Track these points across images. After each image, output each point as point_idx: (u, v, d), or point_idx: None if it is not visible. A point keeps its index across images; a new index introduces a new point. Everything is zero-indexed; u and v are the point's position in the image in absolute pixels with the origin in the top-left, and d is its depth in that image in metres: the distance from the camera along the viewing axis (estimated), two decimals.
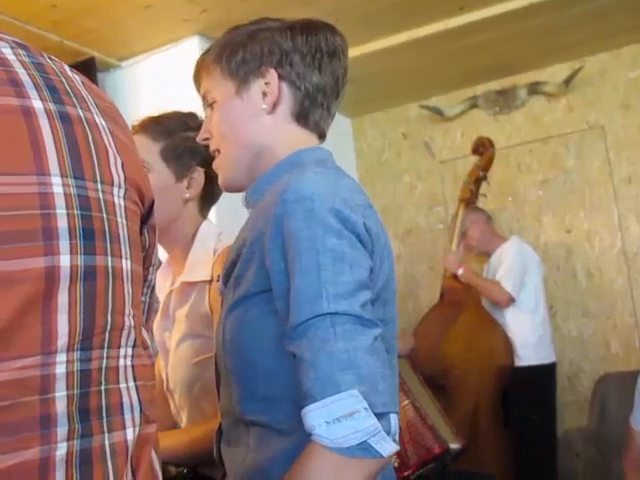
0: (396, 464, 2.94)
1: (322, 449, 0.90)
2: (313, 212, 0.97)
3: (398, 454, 2.95)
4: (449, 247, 3.90)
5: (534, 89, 4.42)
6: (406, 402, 3.10)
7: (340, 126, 4.87)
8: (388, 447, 0.90)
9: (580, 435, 3.80)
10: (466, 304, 3.77)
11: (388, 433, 0.90)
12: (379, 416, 0.89)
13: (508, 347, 3.66)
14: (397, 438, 0.93)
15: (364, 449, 0.88)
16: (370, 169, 4.97)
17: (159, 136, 1.58)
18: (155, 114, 1.64)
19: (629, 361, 4.11)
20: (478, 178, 3.91)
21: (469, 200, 3.90)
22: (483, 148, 3.93)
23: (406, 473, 2.92)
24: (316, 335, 0.92)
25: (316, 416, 0.89)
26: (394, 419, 0.92)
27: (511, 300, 3.65)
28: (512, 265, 3.71)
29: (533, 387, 3.64)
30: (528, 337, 3.66)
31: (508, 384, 3.61)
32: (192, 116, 1.65)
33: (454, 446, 3.08)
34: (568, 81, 4.24)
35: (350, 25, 3.35)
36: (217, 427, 1.21)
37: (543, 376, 3.71)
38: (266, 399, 1.06)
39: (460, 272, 3.76)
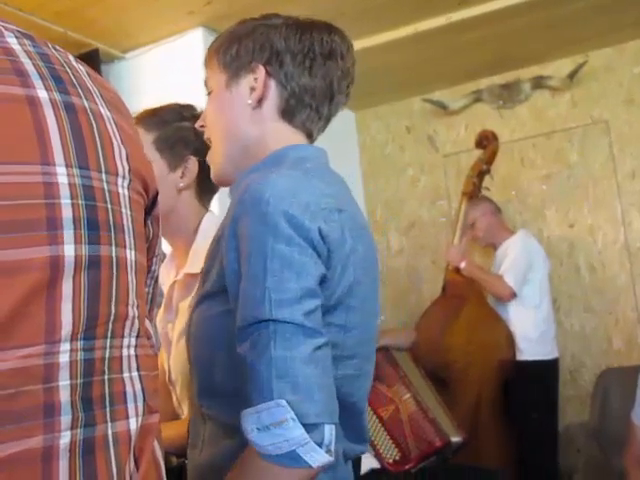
0: (397, 457, 2.95)
1: (254, 454, 0.92)
2: (266, 216, 0.97)
3: (399, 447, 2.96)
4: (452, 241, 3.89)
5: (538, 83, 4.41)
6: (407, 395, 3.11)
7: (344, 119, 4.86)
8: (318, 458, 0.90)
9: (581, 430, 3.81)
10: (468, 298, 3.76)
11: (320, 444, 0.91)
12: (311, 427, 0.90)
13: (510, 341, 3.66)
14: (332, 448, 0.93)
15: (292, 458, 0.90)
16: (373, 162, 4.97)
17: (152, 127, 1.59)
18: (153, 106, 1.65)
19: (631, 356, 4.11)
20: (481, 171, 3.90)
21: (472, 193, 3.89)
22: (487, 141, 3.92)
23: (407, 466, 2.93)
24: (258, 341, 0.93)
25: (249, 421, 0.92)
26: (329, 430, 0.93)
27: (513, 295, 3.65)
28: (516, 259, 3.70)
29: (534, 382, 3.64)
30: (530, 332, 3.66)
31: (510, 378, 3.61)
32: (188, 107, 1.66)
33: (455, 439, 3.09)
34: (572, 75, 4.23)
35: (354, 18, 3.36)
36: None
37: (544, 372, 3.70)
38: (220, 395, 1.08)
39: (463, 265, 3.75)
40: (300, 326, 0.93)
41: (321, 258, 1.00)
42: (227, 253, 1.02)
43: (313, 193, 1.04)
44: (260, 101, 1.20)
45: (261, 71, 1.18)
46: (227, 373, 1.05)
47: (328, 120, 1.27)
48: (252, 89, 1.20)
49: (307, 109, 1.21)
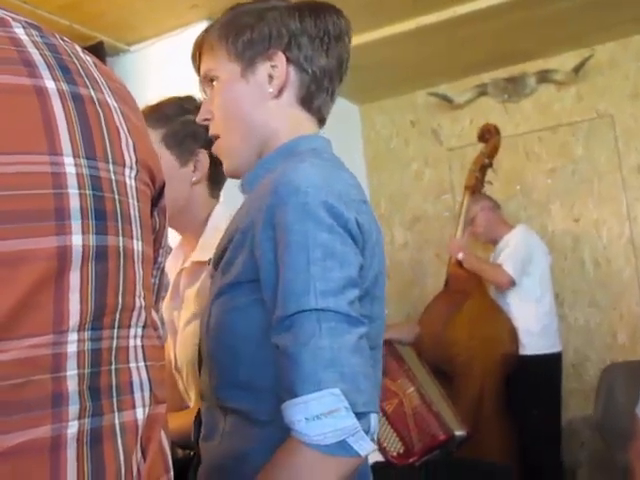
0: (401, 451, 2.96)
1: (300, 445, 0.91)
2: (306, 206, 0.97)
3: (403, 441, 2.97)
4: (455, 235, 3.89)
5: (543, 77, 4.40)
6: (411, 389, 3.11)
7: (348, 113, 4.86)
8: (366, 446, 0.91)
9: (585, 424, 3.81)
10: (471, 291, 3.76)
11: (367, 432, 0.91)
12: (359, 415, 0.90)
13: (513, 335, 3.65)
14: (375, 437, 0.94)
15: (342, 447, 0.89)
16: (378, 156, 4.96)
17: (157, 123, 1.58)
18: (153, 102, 1.64)
19: (635, 351, 4.11)
20: (483, 165, 3.89)
21: (474, 187, 3.88)
22: (489, 135, 3.92)
23: (411, 460, 2.94)
24: (301, 330, 0.92)
25: (296, 412, 0.90)
26: (374, 419, 0.93)
27: (512, 282, 3.63)
28: (515, 250, 3.69)
29: (536, 376, 3.63)
30: (531, 326, 3.65)
31: (512, 372, 3.61)
32: (189, 99, 1.65)
33: (459, 433, 3.10)
34: (577, 69, 4.22)
35: (359, 11, 3.34)
36: (197, 411, 1.21)
37: (547, 365, 3.69)
38: (246, 387, 1.06)
39: (460, 256, 3.76)
40: (345, 315, 0.93)
41: (358, 247, 1.01)
42: (261, 243, 1.00)
43: (344, 183, 1.04)
44: (281, 89, 1.17)
45: (281, 58, 1.16)
46: (255, 365, 1.04)
47: (334, 103, 1.27)
48: (270, 77, 1.17)
49: (324, 93, 1.20)
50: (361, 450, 0.90)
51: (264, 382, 1.02)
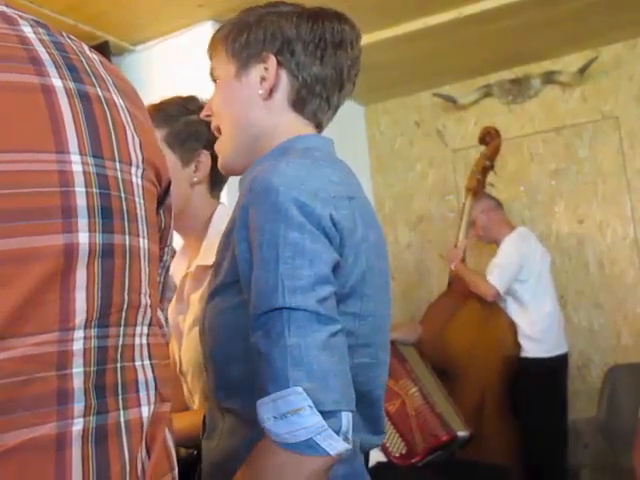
0: (404, 451, 2.97)
1: (271, 443, 0.91)
2: (277, 204, 0.96)
3: (406, 441, 2.98)
4: (457, 236, 3.88)
5: (548, 78, 4.38)
6: (414, 389, 3.12)
7: (353, 114, 4.86)
8: (336, 446, 0.90)
9: (589, 426, 3.80)
10: (473, 293, 3.75)
11: (338, 431, 0.90)
12: (328, 414, 0.89)
13: (514, 337, 3.64)
14: (349, 436, 0.93)
15: (310, 446, 0.89)
16: (382, 157, 4.96)
17: (160, 123, 1.57)
18: (155, 101, 1.64)
19: (639, 353, 4.09)
20: (485, 167, 3.89)
21: (476, 189, 3.88)
22: (490, 137, 3.92)
23: (414, 460, 2.95)
24: (272, 329, 0.92)
25: (265, 410, 0.91)
26: (346, 417, 0.92)
27: (496, 294, 3.60)
28: (503, 259, 3.66)
29: (538, 379, 3.60)
30: (527, 330, 3.61)
31: (514, 374, 3.60)
32: (191, 99, 1.65)
33: (462, 434, 3.10)
34: (583, 71, 4.21)
35: (364, 12, 3.34)
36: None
37: (548, 368, 3.65)
38: (239, 388, 1.07)
39: (452, 267, 3.80)
40: (314, 313, 0.93)
41: (333, 245, 1.00)
42: (239, 243, 1.01)
43: (322, 180, 1.03)
44: (271, 91, 1.19)
45: (272, 61, 1.17)
46: (244, 366, 1.04)
47: (336, 109, 1.27)
48: (262, 79, 1.18)
49: (318, 99, 1.20)
50: (330, 449, 0.89)
51: (253, 383, 1.02)
